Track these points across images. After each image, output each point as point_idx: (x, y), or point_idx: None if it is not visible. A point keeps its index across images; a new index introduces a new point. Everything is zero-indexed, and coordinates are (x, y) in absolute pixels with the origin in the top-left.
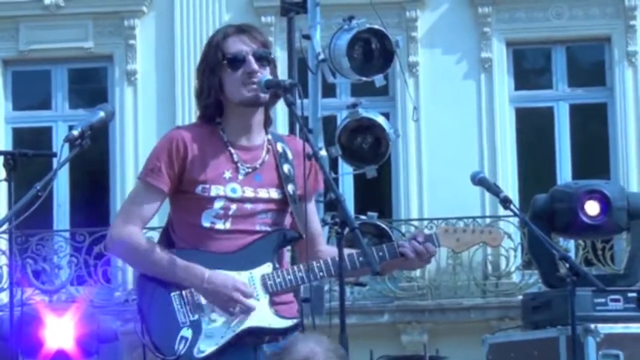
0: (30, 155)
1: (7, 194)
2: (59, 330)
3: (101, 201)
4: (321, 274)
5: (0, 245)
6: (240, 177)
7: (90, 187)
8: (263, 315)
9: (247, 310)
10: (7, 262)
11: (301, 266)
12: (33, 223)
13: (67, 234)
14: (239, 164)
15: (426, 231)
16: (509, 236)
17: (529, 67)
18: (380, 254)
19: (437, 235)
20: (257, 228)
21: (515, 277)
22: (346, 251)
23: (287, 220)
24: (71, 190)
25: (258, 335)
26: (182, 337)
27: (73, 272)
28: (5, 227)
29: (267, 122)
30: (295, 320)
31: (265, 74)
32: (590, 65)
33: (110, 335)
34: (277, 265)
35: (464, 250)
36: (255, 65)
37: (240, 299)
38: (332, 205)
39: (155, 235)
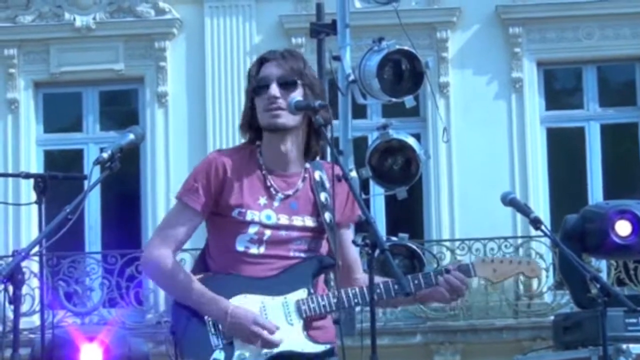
0: (61, 177)
1: (38, 216)
2: (91, 353)
3: (133, 223)
4: (356, 300)
5: (32, 267)
6: (276, 204)
7: (121, 209)
8: (296, 340)
9: (269, 345)
10: (39, 284)
11: (336, 292)
12: (65, 245)
13: (99, 256)
14: (274, 191)
15: (461, 263)
16: (541, 256)
17: (560, 87)
18: (416, 282)
19: (474, 265)
20: (292, 254)
21: (547, 298)
22: (382, 279)
23: (324, 247)
24: (103, 211)
25: (291, 359)
26: None
27: (105, 294)
28: (36, 249)
29: (310, 153)
30: (328, 345)
31: (294, 97)
32: (621, 85)
33: (142, 357)
34: (312, 292)
35: (502, 281)
36: (275, 92)
37: (261, 333)
38: (363, 226)
39: (187, 257)
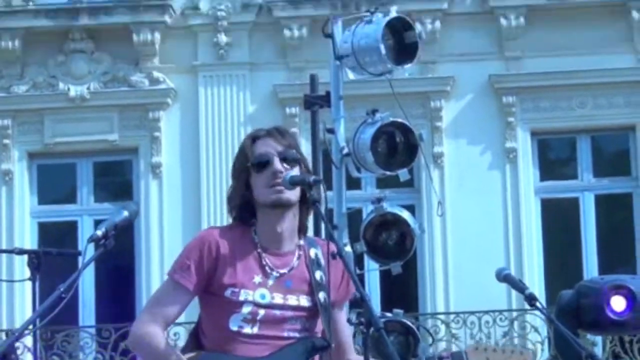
0: (55, 253)
1: (32, 293)
2: None
3: (127, 296)
4: None
5: (26, 342)
6: (270, 282)
7: (115, 282)
8: None
9: None
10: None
11: None
12: (58, 319)
13: (93, 330)
14: (269, 269)
15: (455, 349)
16: (536, 330)
17: (554, 157)
18: None
19: (467, 353)
20: (286, 334)
21: None
22: None
23: (318, 327)
24: (97, 285)
25: None
26: None
27: None
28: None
29: (302, 229)
30: None
31: (289, 172)
32: (615, 154)
33: None
34: None
35: None
36: (279, 166)
37: None
38: (358, 303)
39: (182, 331)
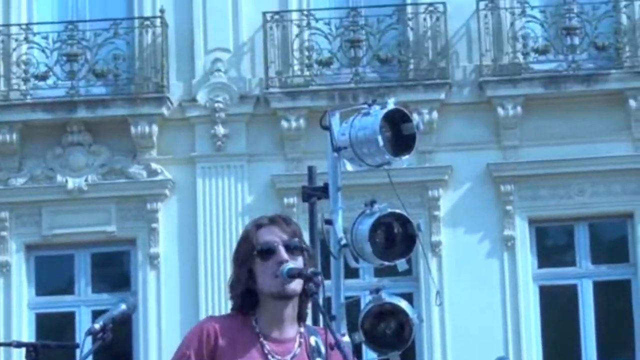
0: (53, 346)
1: None
2: None
3: None
4: None
5: None
6: None
7: None
8: None
9: None
10: None
11: None
12: None
13: None
14: (269, 357)
15: None
16: None
17: (552, 245)
18: None
19: None
20: None
21: None
22: None
23: None
24: None
25: None
26: None
27: None
28: None
29: (301, 316)
30: None
31: (288, 264)
32: (613, 241)
33: None
34: None
35: None
36: (285, 255)
37: None
38: None
39: None
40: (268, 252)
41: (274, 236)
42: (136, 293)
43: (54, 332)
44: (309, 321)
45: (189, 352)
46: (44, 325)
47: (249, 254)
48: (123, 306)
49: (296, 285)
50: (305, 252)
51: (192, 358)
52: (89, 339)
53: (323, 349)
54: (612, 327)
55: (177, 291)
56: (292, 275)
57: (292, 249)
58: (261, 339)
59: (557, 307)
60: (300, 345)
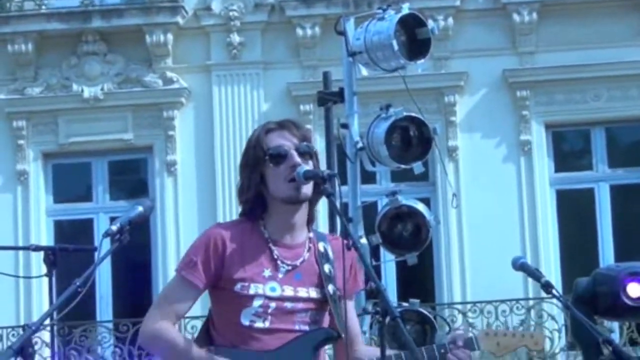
0: (71, 250)
1: (49, 289)
2: None
3: (144, 291)
4: None
5: (44, 337)
6: (280, 275)
7: (132, 277)
8: None
9: None
10: (50, 354)
11: None
12: (76, 314)
13: (111, 325)
14: (279, 262)
15: (462, 331)
16: (553, 318)
17: (569, 149)
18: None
19: (478, 338)
20: (297, 327)
21: (560, 359)
22: (390, 352)
23: (326, 320)
24: (113, 280)
25: None
26: None
27: None
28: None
29: (311, 220)
30: None
31: (304, 166)
32: (630, 145)
33: None
34: None
35: (505, 354)
36: (297, 159)
37: None
38: (374, 294)
39: (198, 324)
40: (280, 156)
41: (284, 140)
42: (154, 200)
43: (72, 239)
44: (325, 224)
45: (196, 258)
46: (63, 232)
47: (260, 159)
48: (140, 208)
49: (308, 189)
50: (315, 157)
51: (198, 265)
52: (107, 241)
53: (331, 255)
54: (629, 230)
55: (195, 198)
56: (309, 177)
57: (302, 153)
58: (270, 245)
59: (574, 211)
60: (309, 250)
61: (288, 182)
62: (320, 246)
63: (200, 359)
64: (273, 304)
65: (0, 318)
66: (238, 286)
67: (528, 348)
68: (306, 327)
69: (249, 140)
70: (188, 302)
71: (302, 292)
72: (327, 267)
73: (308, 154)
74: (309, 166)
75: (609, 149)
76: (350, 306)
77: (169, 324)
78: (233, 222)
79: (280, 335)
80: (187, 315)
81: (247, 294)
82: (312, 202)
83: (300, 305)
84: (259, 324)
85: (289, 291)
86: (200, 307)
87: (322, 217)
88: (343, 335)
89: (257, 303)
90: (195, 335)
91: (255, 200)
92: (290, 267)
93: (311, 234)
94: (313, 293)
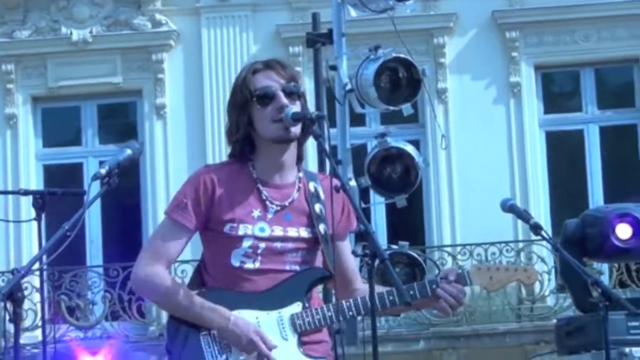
0: (59, 193)
1: (38, 233)
2: None
3: (134, 235)
4: (350, 313)
5: (34, 282)
6: (270, 215)
7: (122, 222)
8: (291, 355)
9: (264, 358)
10: (40, 299)
11: (330, 306)
12: (66, 259)
13: (101, 269)
14: (267, 203)
15: (455, 269)
16: (542, 260)
17: (558, 91)
18: (411, 292)
19: (470, 273)
20: (287, 267)
21: (550, 301)
22: (377, 289)
23: (319, 259)
24: (103, 225)
25: None
26: None
27: (107, 307)
28: (36, 265)
29: (300, 159)
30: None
31: (293, 108)
32: (619, 86)
33: None
34: (307, 305)
35: (498, 289)
36: (285, 100)
37: (259, 344)
38: (363, 236)
39: (189, 269)
40: (267, 97)
41: (271, 81)
42: (143, 143)
43: (62, 183)
44: (314, 166)
45: (186, 200)
46: (52, 176)
47: (247, 100)
48: (128, 151)
49: (297, 128)
50: (302, 97)
51: (188, 206)
52: (96, 184)
53: (322, 195)
54: (618, 171)
55: (184, 140)
56: (297, 119)
57: (289, 94)
58: (259, 185)
59: (564, 152)
60: (298, 190)
61: (275, 122)
62: (311, 186)
63: (192, 302)
64: (262, 245)
65: None
66: (227, 227)
67: (521, 282)
68: (297, 267)
69: (236, 81)
70: (179, 244)
71: (292, 232)
72: (317, 207)
73: (295, 94)
74: (296, 107)
75: (598, 90)
76: (346, 245)
77: (161, 267)
78: (222, 163)
79: (270, 275)
80: (177, 259)
81: (236, 235)
82: (301, 141)
83: (290, 245)
84: (249, 265)
85: (278, 231)
86: (191, 251)
87: (311, 159)
88: (334, 275)
89: (246, 244)
90: (187, 279)
91: (244, 141)
92: (279, 208)
93: (301, 174)
94: (304, 233)
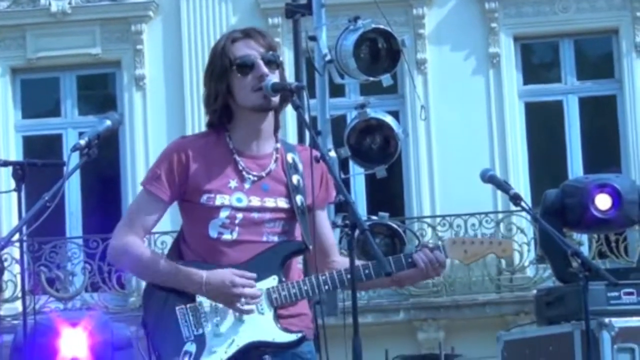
0: (39, 165)
1: (17, 204)
2: (73, 339)
3: (113, 206)
4: (326, 287)
5: (14, 253)
6: (247, 185)
7: (102, 193)
8: (267, 329)
9: (255, 299)
10: (20, 271)
11: (307, 280)
12: (46, 231)
13: (80, 241)
14: (244, 173)
15: (432, 243)
16: (522, 231)
17: (537, 62)
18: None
19: (445, 246)
20: (265, 238)
21: (530, 272)
22: (358, 262)
23: (298, 230)
24: (83, 196)
25: (261, 348)
26: (185, 352)
27: (87, 278)
28: (16, 236)
29: (276, 128)
30: (300, 334)
31: (271, 78)
32: (599, 57)
33: (125, 342)
34: (283, 278)
35: (473, 262)
36: (265, 69)
37: (241, 293)
38: (343, 207)
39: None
40: (246, 66)
41: (250, 50)
42: (123, 114)
43: (41, 155)
44: (294, 136)
45: (160, 171)
46: (32, 147)
47: (226, 68)
48: (107, 122)
49: (276, 97)
50: (281, 66)
51: (162, 177)
52: (75, 155)
53: (300, 166)
54: (598, 142)
55: (164, 111)
56: (277, 89)
57: (269, 62)
58: (235, 156)
59: (543, 123)
60: (276, 160)
61: (255, 91)
62: (289, 157)
63: (168, 271)
64: (240, 215)
65: None
66: (204, 197)
67: (496, 255)
68: (275, 238)
69: (214, 49)
70: (154, 216)
71: (270, 203)
72: (295, 178)
73: (275, 63)
74: (275, 76)
75: (578, 61)
76: (324, 216)
77: (137, 238)
78: (197, 134)
79: (248, 246)
80: (156, 230)
81: (213, 205)
82: (277, 110)
83: (268, 215)
84: (226, 236)
85: (255, 202)
86: (170, 222)
87: (292, 129)
88: (310, 247)
89: (223, 214)
90: (166, 251)
91: (222, 110)
92: (256, 178)
93: (279, 145)
94: (282, 203)
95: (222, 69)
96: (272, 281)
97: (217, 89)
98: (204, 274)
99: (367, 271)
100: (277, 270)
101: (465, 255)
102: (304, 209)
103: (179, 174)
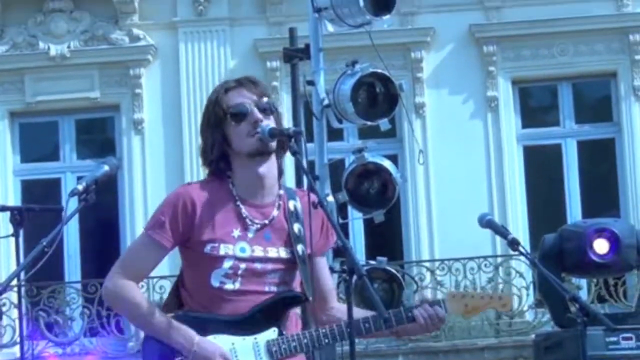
0: (37, 210)
1: (15, 249)
2: None
3: (112, 251)
4: (326, 340)
5: (12, 298)
6: (250, 235)
7: (100, 237)
8: None
9: None
10: (18, 315)
11: (307, 333)
12: (44, 275)
13: (79, 285)
14: (247, 221)
15: (430, 296)
16: (521, 275)
17: (536, 105)
18: (387, 316)
19: (445, 301)
20: (266, 289)
21: (529, 316)
22: (355, 314)
23: (297, 279)
24: (81, 240)
25: None
26: None
27: (86, 323)
28: (14, 282)
29: (280, 174)
30: None
31: (268, 124)
32: (597, 100)
33: None
34: (282, 330)
35: (473, 316)
36: (259, 115)
37: None
38: (341, 252)
39: (167, 284)
40: (241, 114)
41: (244, 98)
42: (121, 159)
43: (40, 199)
44: (292, 182)
45: (164, 218)
46: (30, 191)
47: (221, 118)
48: (105, 167)
49: (273, 142)
50: (276, 112)
51: (166, 225)
52: (73, 200)
53: (301, 214)
54: (597, 185)
55: (162, 156)
56: (274, 134)
57: (263, 109)
58: (238, 203)
59: (541, 167)
60: (278, 208)
61: (250, 136)
62: (291, 204)
63: (159, 320)
64: (243, 265)
65: None
66: (208, 247)
67: (496, 310)
68: (275, 289)
69: (209, 100)
70: (153, 262)
71: (272, 252)
72: (296, 227)
73: (269, 109)
74: (270, 121)
75: (576, 104)
76: (323, 263)
77: (132, 283)
78: (202, 181)
79: (250, 297)
80: (155, 274)
81: (217, 255)
82: (279, 155)
83: (270, 266)
84: (228, 286)
85: (258, 251)
86: (169, 267)
87: (289, 175)
88: (310, 299)
89: (227, 264)
90: (165, 295)
91: (220, 160)
92: (259, 226)
93: (282, 191)
94: (283, 253)
95: (217, 119)
96: (272, 333)
97: (213, 138)
98: (196, 336)
99: (367, 325)
100: (277, 322)
101: (466, 309)
102: (304, 258)
103: (184, 223)
